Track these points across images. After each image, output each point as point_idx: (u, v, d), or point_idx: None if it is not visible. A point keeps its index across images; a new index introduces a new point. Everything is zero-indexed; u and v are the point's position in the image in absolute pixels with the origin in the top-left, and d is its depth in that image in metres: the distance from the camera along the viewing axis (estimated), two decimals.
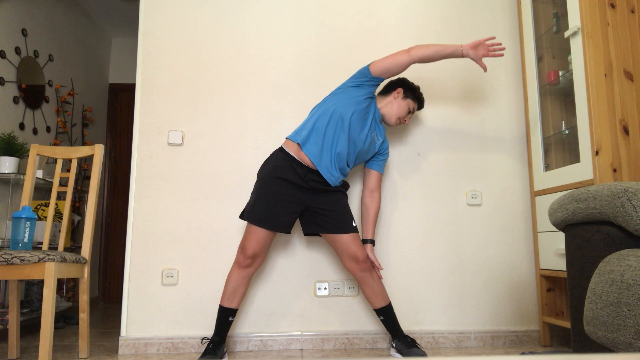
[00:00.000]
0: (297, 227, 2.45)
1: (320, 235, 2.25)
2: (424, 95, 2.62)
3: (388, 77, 2.20)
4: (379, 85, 2.23)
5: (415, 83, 2.61)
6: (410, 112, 2.31)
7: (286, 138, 2.20)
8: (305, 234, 2.25)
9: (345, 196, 2.26)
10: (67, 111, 3.96)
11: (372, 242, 2.27)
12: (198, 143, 2.51)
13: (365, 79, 2.17)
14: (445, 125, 2.63)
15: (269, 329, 2.42)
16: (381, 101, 2.30)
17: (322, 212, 2.15)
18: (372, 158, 2.32)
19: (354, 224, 2.19)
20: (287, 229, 2.12)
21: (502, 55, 2.12)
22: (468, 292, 2.51)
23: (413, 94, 2.31)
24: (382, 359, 2.16)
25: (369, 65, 2.17)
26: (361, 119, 2.16)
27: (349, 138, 2.13)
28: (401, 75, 2.48)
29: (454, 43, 2.67)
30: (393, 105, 2.28)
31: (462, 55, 2.13)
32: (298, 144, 2.13)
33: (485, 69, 2.17)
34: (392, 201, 2.55)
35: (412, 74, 2.63)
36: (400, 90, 2.29)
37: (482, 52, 2.12)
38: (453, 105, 2.64)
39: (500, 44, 2.14)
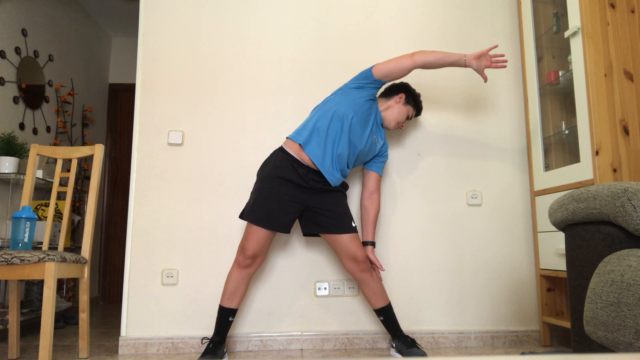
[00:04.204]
0: (297, 226, 2.45)
1: (319, 236, 2.25)
2: (425, 98, 2.63)
3: (390, 81, 2.20)
4: (380, 87, 2.23)
5: (417, 81, 2.61)
6: (408, 118, 2.32)
7: (287, 138, 2.20)
8: (305, 234, 2.25)
9: (345, 196, 2.26)
10: (67, 111, 3.96)
11: (373, 244, 2.27)
12: (198, 143, 2.51)
13: (367, 81, 2.17)
14: (445, 126, 2.63)
15: (269, 329, 2.42)
16: (382, 104, 2.30)
17: (321, 212, 2.15)
18: (372, 160, 2.32)
19: (354, 224, 2.19)
20: (287, 229, 2.12)
21: (504, 67, 2.13)
22: (468, 292, 2.51)
23: (414, 100, 2.32)
24: (382, 359, 2.15)
25: (371, 67, 2.17)
26: (362, 121, 2.16)
27: (349, 140, 2.13)
28: (404, 80, 2.48)
29: (454, 42, 2.67)
30: (394, 110, 2.28)
31: (465, 65, 2.13)
32: (300, 144, 2.13)
33: (485, 80, 2.18)
34: (392, 201, 2.55)
35: (413, 77, 2.63)
36: (402, 95, 2.29)
37: (485, 62, 2.13)
38: (453, 106, 2.64)
39: (503, 55, 2.15)
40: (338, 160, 2.12)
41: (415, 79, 2.62)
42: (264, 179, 2.13)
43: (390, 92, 2.32)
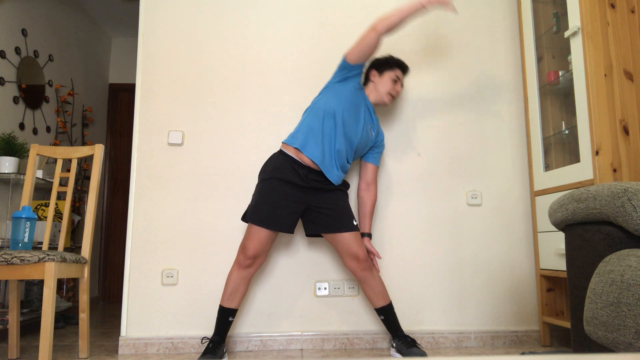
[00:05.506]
0: (299, 226, 2.45)
1: (322, 236, 2.25)
2: (426, 98, 2.62)
3: (367, 59, 2.18)
4: (361, 72, 2.23)
5: (417, 82, 2.61)
6: (395, 81, 2.29)
7: (282, 143, 2.21)
8: (307, 235, 2.25)
9: (346, 195, 2.26)
10: (67, 111, 3.96)
11: (369, 235, 2.30)
12: (198, 143, 2.51)
13: (347, 71, 2.19)
14: (445, 126, 2.63)
15: (269, 329, 2.42)
16: (367, 90, 2.31)
17: (322, 210, 2.15)
18: (368, 151, 2.33)
19: (355, 223, 2.19)
20: (289, 229, 2.13)
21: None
22: (468, 292, 2.51)
23: (387, 64, 2.30)
24: (382, 359, 2.16)
25: (344, 57, 2.18)
26: (353, 114, 2.17)
27: (345, 135, 2.14)
28: (372, 58, 2.42)
29: (454, 42, 2.68)
30: (377, 87, 2.29)
31: (424, 7, 2.05)
32: (296, 148, 2.13)
33: (453, 10, 2.11)
34: (392, 201, 2.55)
35: (412, 77, 2.63)
36: (373, 71, 2.31)
37: None
38: (453, 106, 2.64)
39: None
40: (337, 156, 2.13)
41: (415, 80, 2.62)
42: (265, 181, 2.14)
43: (366, 76, 2.34)
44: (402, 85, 2.33)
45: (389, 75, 2.28)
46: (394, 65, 2.29)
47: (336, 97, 2.15)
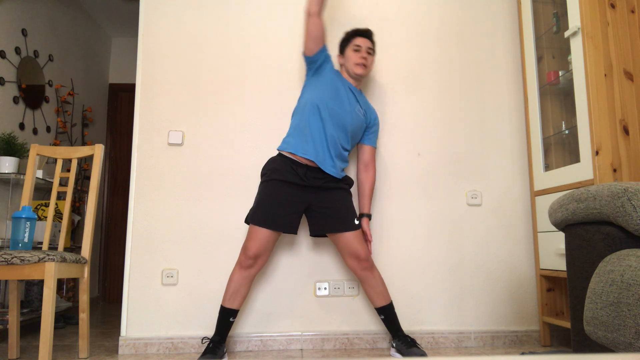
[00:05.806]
0: (302, 226, 2.45)
1: (326, 236, 2.25)
2: (425, 97, 2.62)
3: (322, 42, 2.19)
4: (329, 56, 2.26)
5: (415, 81, 2.62)
6: (356, 50, 2.28)
7: (278, 149, 2.21)
8: (312, 235, 2.26)
9: (349, 194, 2.26)
10: (67, 111, 3.96)
11: (369, 216, 2.33)
12: (198, 143, 2.51)
13: (313, 63, 2.22)
14: (445, 126, 2.63)
15: (269, 329, 2.42)
16: (345, 75, 2.33)
17: (323, 210, 2.16)
18: (364, 133, 2.34)
19: (357, 222, 2.19)
20: (290, 229, 2.13)
21: None
22: (468, 292, 2.51)
23: (344, 41, 2.35)
24: (382, 359, 2.16)
25: (303, 54, 2.23)
26: (336, 98, 2.19)
27: (333, 122, 2.16)
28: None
29: (454, 42, 2.68)
30: (346, 66, 2.31)
31: None
32: (290, 152, 2.15)
33: None
34: (392, 201, 2.55)
35: (413, 78, 2.63)
36: (339, 56, 2.37)
37: None
38: (453, 106, 2.64)
39: None
40: (331, 146, 2.15)
41: (416, 80, 2.62)
42: (265, 183, 2.15)
43: (339, 63, 2.38)
44: (371, 51, 2.32)
45: (349, 49, 2.31)
46: (349, 37, 2.34)
47: (315, 89, 2.20)
